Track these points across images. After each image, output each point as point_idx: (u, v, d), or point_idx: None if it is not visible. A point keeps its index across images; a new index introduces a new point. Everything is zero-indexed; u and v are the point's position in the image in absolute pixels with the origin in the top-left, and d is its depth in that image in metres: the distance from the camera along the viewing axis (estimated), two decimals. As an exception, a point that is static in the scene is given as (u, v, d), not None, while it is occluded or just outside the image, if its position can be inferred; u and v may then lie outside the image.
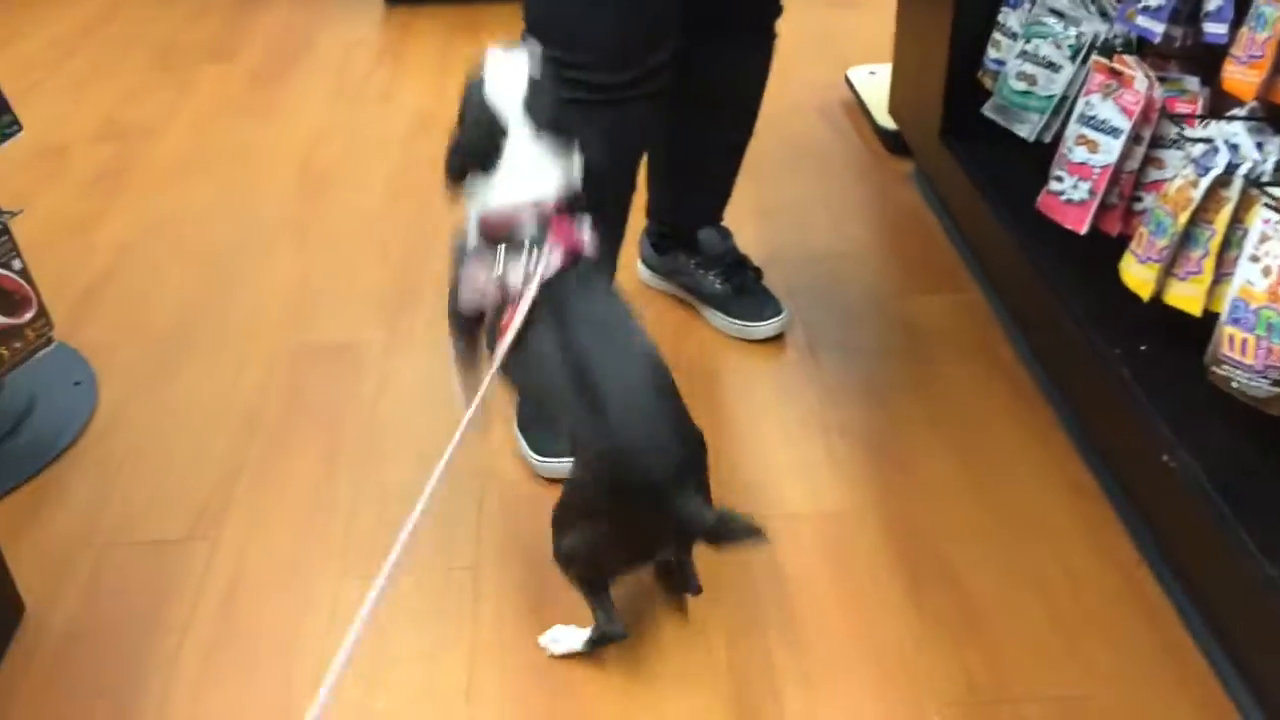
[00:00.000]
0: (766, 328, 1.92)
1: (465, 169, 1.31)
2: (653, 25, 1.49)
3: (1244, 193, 1.33)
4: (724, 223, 2.02)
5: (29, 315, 1.61)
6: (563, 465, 1.60)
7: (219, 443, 1.73)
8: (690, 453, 1.24)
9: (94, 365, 1.88)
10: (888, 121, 2.52)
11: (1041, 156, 1.78)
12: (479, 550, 1.51)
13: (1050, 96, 1.73)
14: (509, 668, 1.36)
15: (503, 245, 1.28)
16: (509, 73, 1.28)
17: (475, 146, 1.29)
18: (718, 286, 1.94)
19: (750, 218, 2.22)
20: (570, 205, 1.30)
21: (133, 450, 1.71)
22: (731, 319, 1.94)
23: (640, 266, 2.07)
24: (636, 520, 1.23)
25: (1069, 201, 1.60)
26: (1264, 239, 1.26)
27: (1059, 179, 1.62)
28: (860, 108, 2.72)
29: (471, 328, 1.35)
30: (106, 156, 2.61)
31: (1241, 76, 1.31)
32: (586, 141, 1.36)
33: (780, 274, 2.06)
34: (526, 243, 1.26)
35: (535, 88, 1.28)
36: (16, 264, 1.59)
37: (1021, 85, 1.77)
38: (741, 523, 1.20)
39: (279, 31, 3.35)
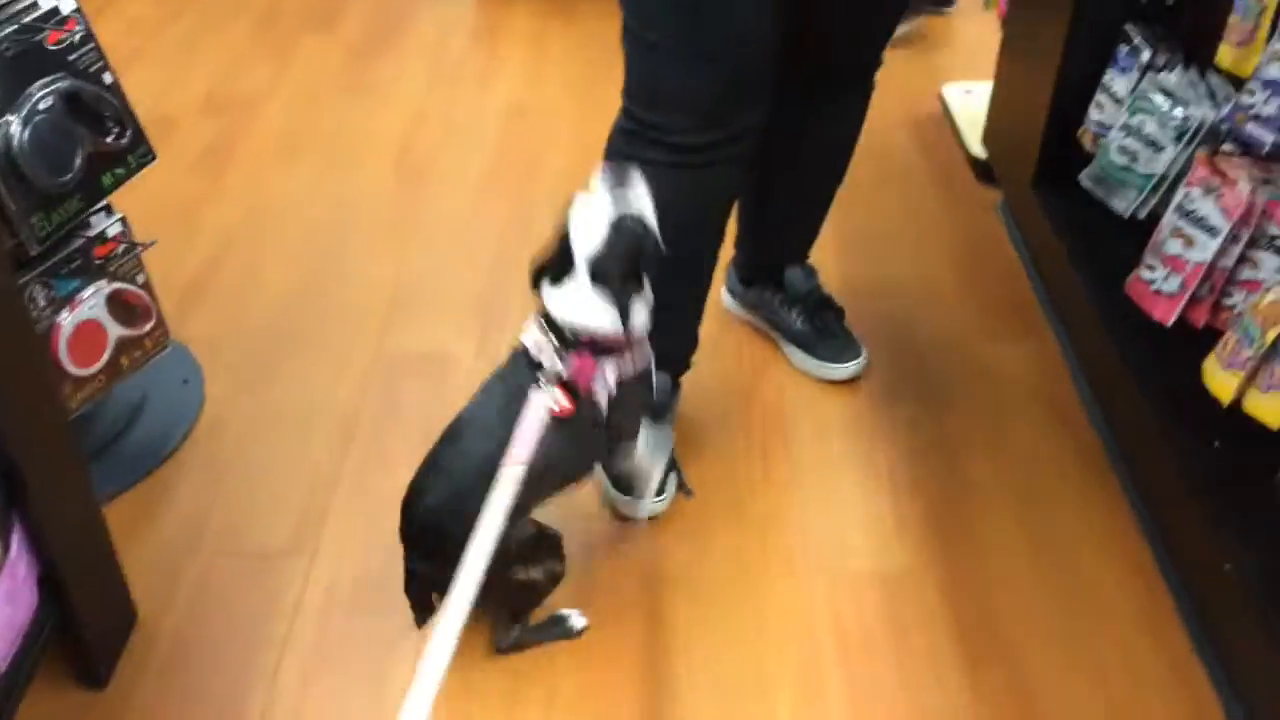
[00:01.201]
0: (844, 370, 1.97)
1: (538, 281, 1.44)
2: (748, 88, 1.51)
3: (1336, 318, 1.35)
4: (809, 257, 2.05)
5: (149, 326, 1.70)
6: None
7: (317, 450, 1.83)
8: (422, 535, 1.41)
9: (200, 361, 1.98)
10: (979, 149, 2.52)
11: (1133, 229, 1.79)
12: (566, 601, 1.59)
13: (1150, 175, 1.74)
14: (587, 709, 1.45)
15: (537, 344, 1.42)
16: (588, 221, 1.38)
17: (547, 273, 1.42)
18: (799, 325, 1.99)
19: (831, 243, 2.22)
20: (597, 349, 1.41)
21: (236, 453, 1.82)
22: (811, 358, 1.98)
23: (725, 294, 2.12)
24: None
25: (1158, 292, 1.62)
26: (1351, 375, 1.28)
27: (1151, 267, 1.63)
28: (952, 128, 2.71)
29: None
30: (213, 131, 2.69)
31: (1347, 207, 1.32)
32: (668, 202, 1.43)
33: (858, 308, 2.10)
34: (548, 360, 1.40)
35: (609, 244, 1.37)
36: (140, 278, 1.68)
37: (1122, 159, 1.78)
38: None
39: (377, 1, 3.38)
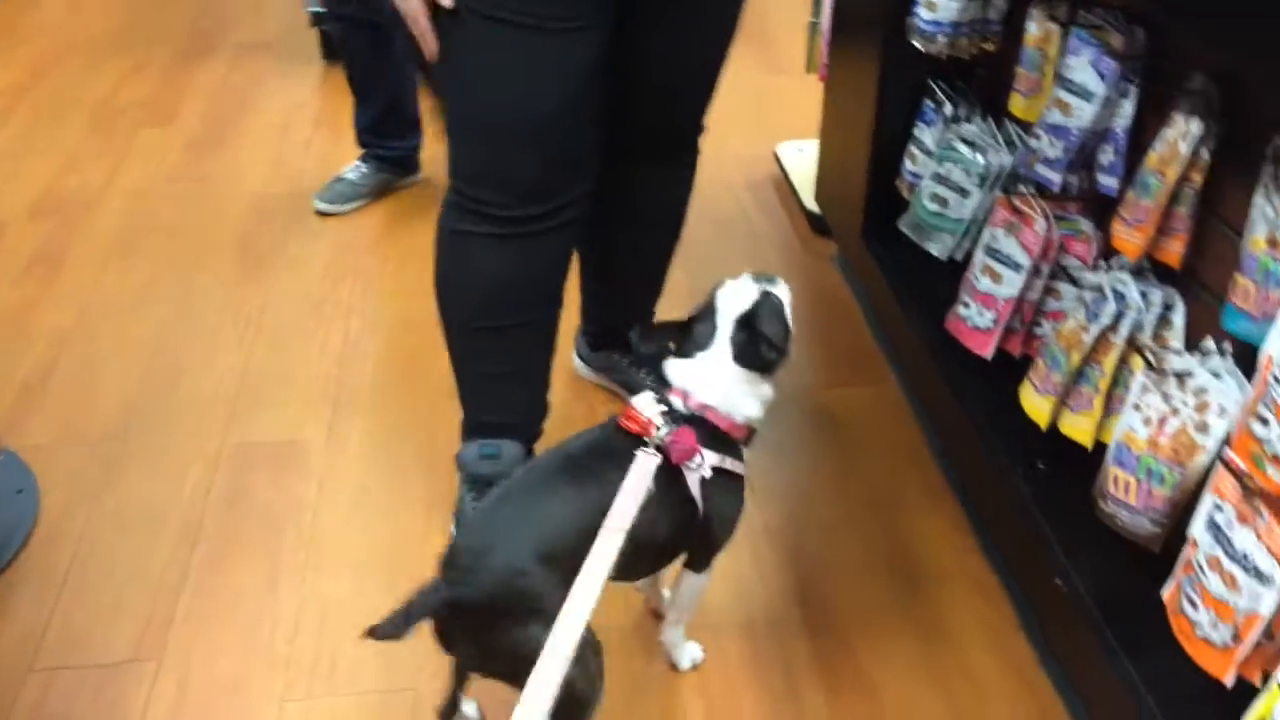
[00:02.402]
0: None
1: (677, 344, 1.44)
2: (563, 166, 1.55)
3: (1129, 340, 1.44)
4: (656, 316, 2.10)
5: (-28, 437, 1.64)
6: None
7: (161, 552, 1.77)
8: (480, 585, 1.24)
9: (35, 470, 1.90)
10: (814, 204, 2.62)
11: (953, 271, 1.89)
12: (418, 673, 1.57)
13: (960, 219, 1.84)
14: (447, 791, 1.42)
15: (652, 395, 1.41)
16: (739, 301, 1.43)
17: (689, 336, 1.43)
18: (649, 384, 2.02)
19: (676, 302, 2.27)
20: (708, 430, 1.39)
21: (75, 563, 1.74)
22: None
23: (575, 360, 2.14)
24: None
25: (975, 327, 1.70)
26: (1144, 390, 1.37)
27: (966, 304, 1.72)
28: (788, 185, 2.82)
29: None
30: (44, 234, 2.62)
31: (1128, 237, 1.42)
32: (497, 270, 1.54)
33: (709, 366, 2.14)
34: (661, 415, 1.37)
35: (757, 329, 1.41)
36: (-41, 388, 1.62)
37: (935, 206, 1.88)
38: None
39: (217, 92, 3.36)
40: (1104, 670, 1.36)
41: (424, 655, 1.55)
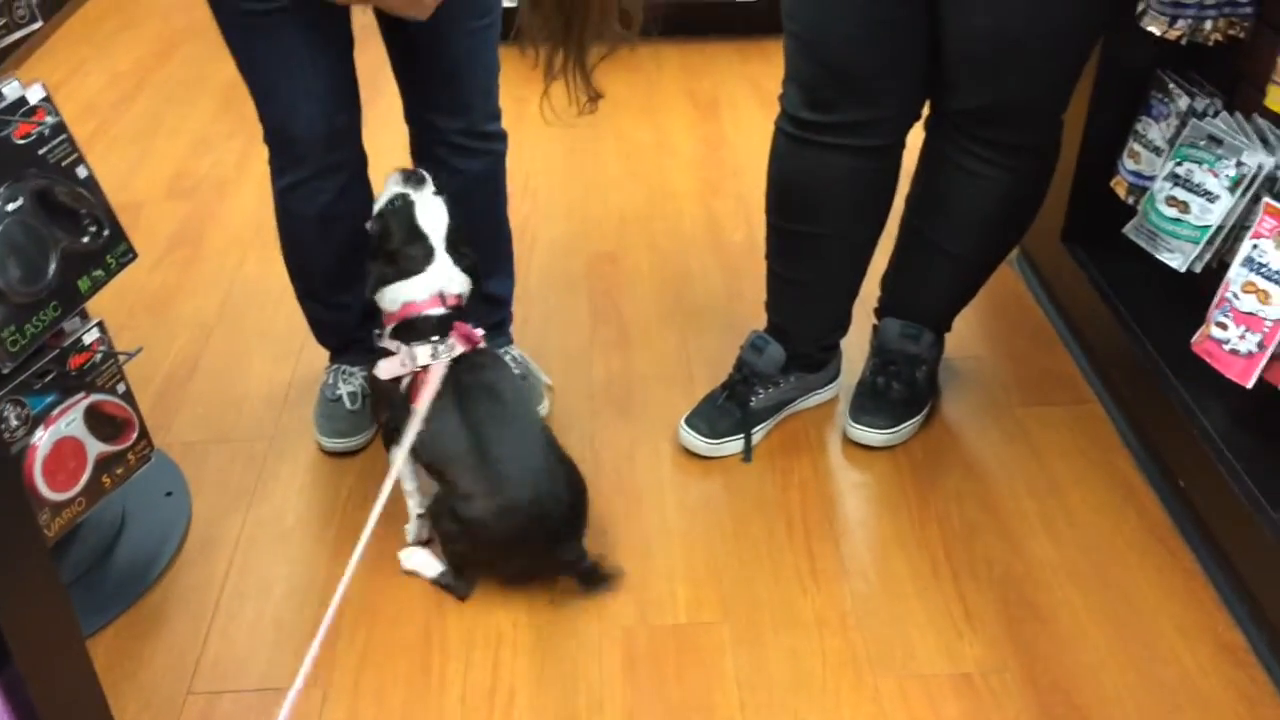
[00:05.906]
0: (857, 432, 1.86)
1: (386, 277, 1.56)
2: (843, 78, 1.59)
3: None
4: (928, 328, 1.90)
5: (131, 439, 1.53)
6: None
7: (320, 567, 1.65)
8: (572, 502, 1.54)
9: (184, 470, 1.80)
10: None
11: (1179, 283, 1.70)
12: None
13: (1205, 227, 1.64)
14: None
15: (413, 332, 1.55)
16: (434, 206, 1.57)
17: (403, 262, 1.55)
18: (865, 374, 1.91)
19: (861, 315, 2.11)
20: (465, 310, 1.59)
21: (231, 574, 1.64)
22: (848, 408, 1.89)
23: None
24: (524, 559, 1.55)
25: (1234, 351, 1.51)
26: None
27: (1222, 325, 1.52)
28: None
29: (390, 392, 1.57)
30: (180, 218, 2.53)
31: None
32: (785, 170, 1.71)
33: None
34: (434, 332, 1.54)
35: (453, 221, 1.58)
36: (120, 388, 1.51)
37: (1172, 211, 1.68)
38: (601, 575, 1.55)
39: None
40: None
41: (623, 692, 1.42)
